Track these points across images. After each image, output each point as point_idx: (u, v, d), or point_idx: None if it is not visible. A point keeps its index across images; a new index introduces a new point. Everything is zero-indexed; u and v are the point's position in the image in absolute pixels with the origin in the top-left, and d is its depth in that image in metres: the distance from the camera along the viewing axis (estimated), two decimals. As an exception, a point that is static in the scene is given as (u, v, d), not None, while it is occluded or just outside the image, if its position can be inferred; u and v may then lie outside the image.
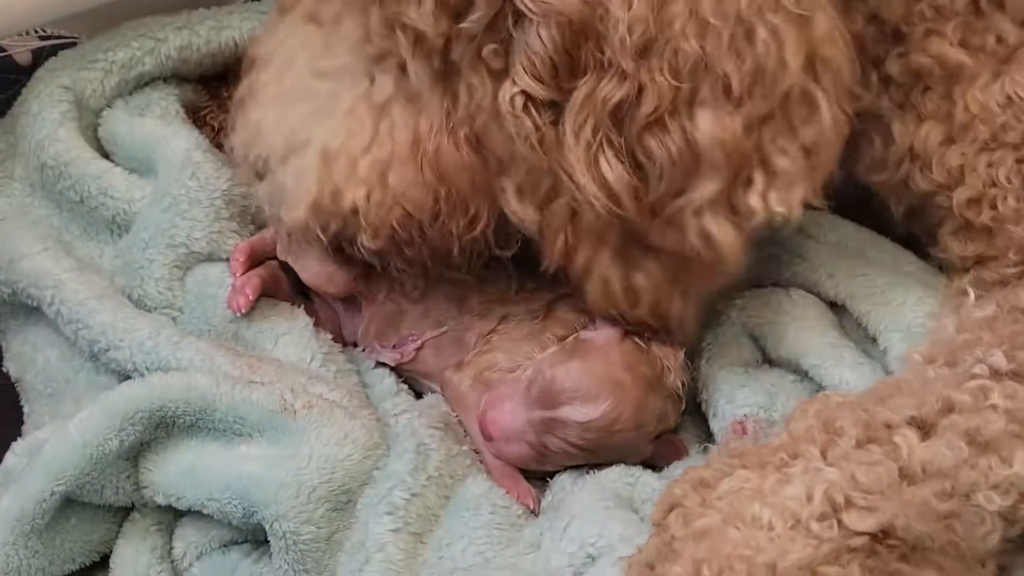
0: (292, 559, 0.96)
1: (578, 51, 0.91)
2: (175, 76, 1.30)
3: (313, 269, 1.11)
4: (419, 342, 1.11)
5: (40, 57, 1.27)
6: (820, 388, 1.06)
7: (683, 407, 1.08)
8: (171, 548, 1.04)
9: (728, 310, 1.14)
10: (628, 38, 0.90)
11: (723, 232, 0.95)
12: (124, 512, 1.04)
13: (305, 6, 1.06)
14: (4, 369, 1.19)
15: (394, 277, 1.10)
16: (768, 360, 1.13)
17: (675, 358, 1.06)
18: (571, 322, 1.09)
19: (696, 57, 0.90)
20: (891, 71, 1.05)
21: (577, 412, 1.01)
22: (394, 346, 1.12)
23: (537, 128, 0.94)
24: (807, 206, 0.97)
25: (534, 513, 1.02)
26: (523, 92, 0.93)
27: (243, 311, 1.09)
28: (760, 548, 0.83)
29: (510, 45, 0.93)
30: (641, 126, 0.93)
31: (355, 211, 1.01)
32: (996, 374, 0.90)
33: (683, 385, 1.06)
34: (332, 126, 1.01)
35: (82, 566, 1.04)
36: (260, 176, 1.06)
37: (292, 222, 1.04)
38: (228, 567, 1.02)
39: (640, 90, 0.91)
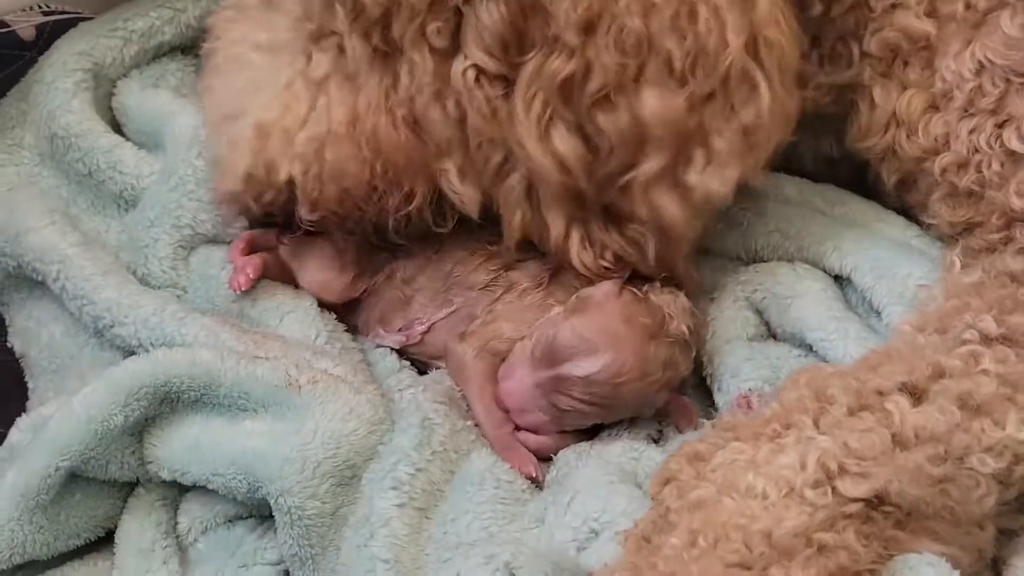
0: (297, 534, 0.96)
1: (526, 26, 0.93)
2: (195, 46, 1.29)
3: (312, 276, 1.13)
4: (426, 325, 1.11)
5: (43, 32, 1.27)
6: (825, 361, 1.05)
7: (694, 351, 1.08)
8: (176, 523, 1.04)
9: (732, 284, 1.14)
10: (573, 13, 0.91)
11: (670, 205, 0.99)
12: (129, 487, 1.05)
13: None
14: (8, 344, 1.19)
15: (386, 268, 1.12)
16: (772, 334, 1.13)
17: (675, 304, 1.06)
18: (574, 287, 1.08)
19: (640, 34, 0.92)
20: (869, 47, 1.06)
21: (578, 367, 1.01)
22: (399, 329, 1.12)
23: (488, 101, 0.96)
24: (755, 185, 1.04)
25: (536, 483, 1.02)
26: (475, 66, 0.95)
27: (243, 289, 1.09)
28: (755, 516, 0.83)
29: (459, 21, 0.95)
30: (590, 102, 0.95)
31: (290, 184, 1.03)
32: (986, 339, 0.91)
33: (689, 330, 1.06)
34: (268, 99, 1.03)
35: (87, 541, 1.04)
36: None
37: (225, 190, 1.05)
38: (233, 542, 1.02)
39: (587, 66, 0.93)
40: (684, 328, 1.05)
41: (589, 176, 0.98)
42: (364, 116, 1.00)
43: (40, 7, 1.27)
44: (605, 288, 1.05)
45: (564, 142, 0.96)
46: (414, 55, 0.97)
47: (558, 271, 1.09)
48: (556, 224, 1.02)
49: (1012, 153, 1.00)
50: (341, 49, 1.00)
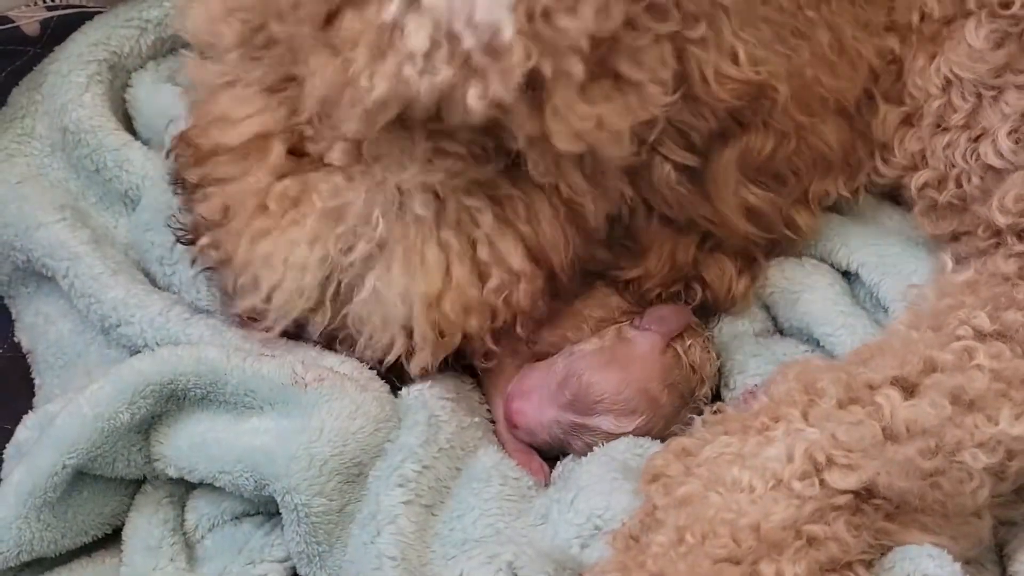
0: (304, 531, 0.96)
1: (731, 121, 0.97)
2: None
3: None
4: None
5: (48, 27, 1.27)
6: (832, 357, 1.05)
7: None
8: (183, 520, 1.04)
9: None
10: (782, 99, 0.96)
11: (806, 220, 1.07)
12: (136, 485, 1.05)
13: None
14: (16, 339, 1.19)
15: None
16: (780, 329, 1.13)
17: (711, 366, 1.07)
18: (611, 305, 1.08)
19: (825, 91, 1.00)
20: None
21: (610, 423, 1.01)
22: None
23: (686, 192, 0.99)
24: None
25: (545, 486, 1.02)
26: (675, 165, 0.98)
27: None
28: (742, 510, 0.83)
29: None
30: (785, 161, 1.01)
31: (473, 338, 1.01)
32: (980, 335, 0.91)
33: (707, 397, 1.06)
34: (427, 271, 0.98)
35: (95, 538, 1.04)
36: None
37: (416, 375, 1.02)
38: (240, 539, 1.02)
39: (782, 135, 0.99)
40: (708, 393, 1.06)
41: (780, 218, 1.05)
42: (551, 251, 0.99)
43: (44, 2, 1.27)
44: (650, 340, 1.05)
45: (758, 199, 1.02)
46: (614, 184, 0.99)
47: (595, 285, 1.09)
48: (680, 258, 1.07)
49: (990, 167, 1.00)
50: (496, 195, 0.98)
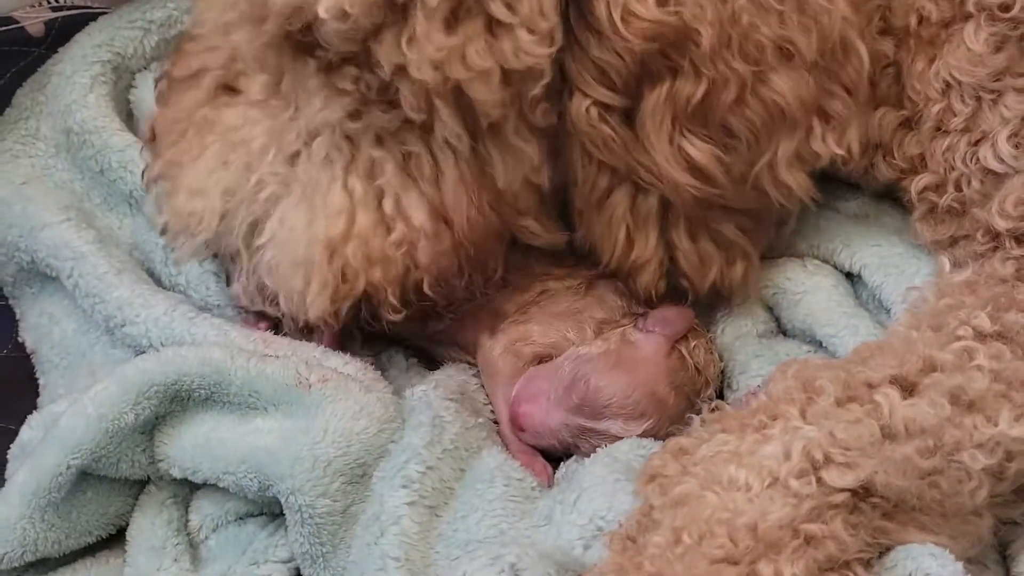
0: (308, 532, 0.96)
1: (655, 63, 0.95)
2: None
3: None
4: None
5: (52, 28, 1.27)
6: (834, 358, 1.05)
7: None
8: (187, 521, 1.04)
9: (743, 280, 1.13)
10: (707, 44, 0.93)
11: (798, 181, 1.02)
12: (140, 485, 1.05)
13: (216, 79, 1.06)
14: (20, 339, 1.19)
15: None
16: (783, 330, 1.13)
17: (714, 367, 1.07)
18: (612, 306, 1.09)
19: (765, 37, 0.95)
20: None
21: (619, 426, 1.02)
22: None
23: (615, 133, 0.97)
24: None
25: (548, 487, 1.02)
26: (596, 103, 0.96)
27: None
28: (739, 510, 0.83)
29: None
30: (724, 110, 0.97)
31: (373, 291, 1.01)
32: (981, 335, 0.91)
33: (711, 398, 1.06)
34: (328, 215, 1.00)
35: (99, 539, 1.04)
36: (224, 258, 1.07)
37: (316, 318, 1.02)
38: (244, 539, 1.02)
39: (716, 82, 0.95)
40: (712, 394, 1.06)
41: (727, 176, 1.00)
42: (453, 211, 0.99)
43: (49, 3, 1.27)
44: (654, 342, 1.05)
45: (699, 152, 0.98)
46: (517, 142, 0.98)
47: (594, 284, 1.09)
48: (646, 240, 1.04)
49: (990, 171, 1.00)
50: (403, 151, 0.99)
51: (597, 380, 1.03)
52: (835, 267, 1.12)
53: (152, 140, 1.07)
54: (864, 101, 1.03)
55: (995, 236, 1.00)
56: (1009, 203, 0.98)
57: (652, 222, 1.03)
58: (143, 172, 1.10)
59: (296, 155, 1.00)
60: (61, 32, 1.28)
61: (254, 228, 1.01)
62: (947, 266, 1.03)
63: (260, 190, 1.00)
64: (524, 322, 1.09)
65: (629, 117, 0.98)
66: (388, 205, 0.99)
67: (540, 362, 1.07)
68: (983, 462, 0.84)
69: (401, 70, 0.91)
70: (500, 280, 1.06)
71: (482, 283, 1.04)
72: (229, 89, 1.04)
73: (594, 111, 0.97)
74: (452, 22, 0.89)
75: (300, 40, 0.93)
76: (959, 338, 0.90)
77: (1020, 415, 0.86)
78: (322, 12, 0.88)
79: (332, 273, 0.99)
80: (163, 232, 1.06)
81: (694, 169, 0.98)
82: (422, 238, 0.99)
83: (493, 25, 0.90)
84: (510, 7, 0.90)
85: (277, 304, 1.03)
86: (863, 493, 0.84)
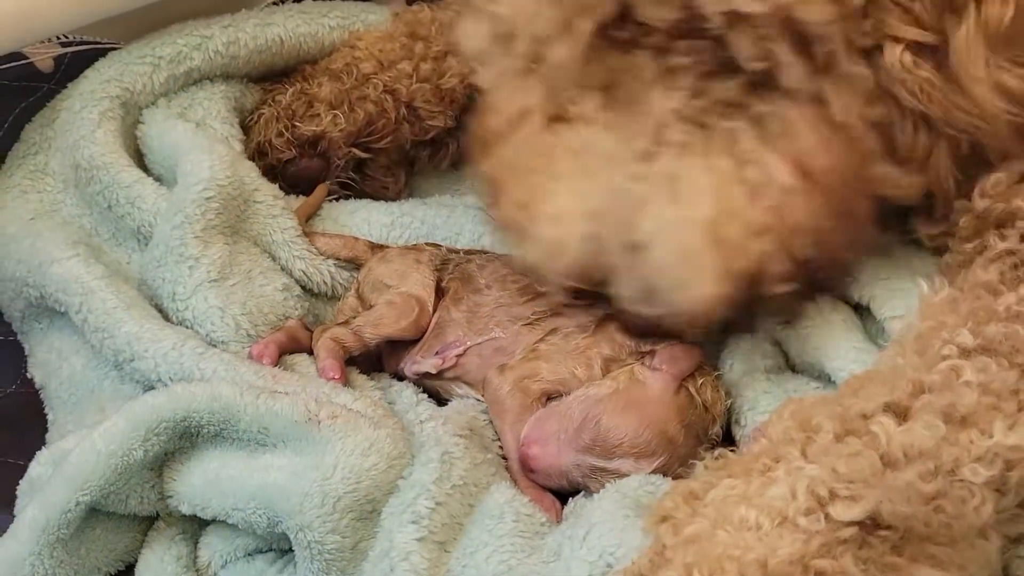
0: (317, 568, 0.96)
1: None
2: (224, 74, 1.32)
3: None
4: (461, 348, 1.11)
5: (62, 64, 1.28)
6: (842, 393, 1.05)
7: None
8: (196, 557, 1.04)
9: (751, 315, 1.13)
10: None
11: None
12: (149, 521, 1.05)
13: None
14: (28, 375, 1.19)
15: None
16: (791, 365, 1.12)
17: (721, 404, 1.07)
18: (620, 343, 1.09)
19: None
20: None
21: (630, 465, 1.01)
22: (436, 352, 1.12)
23: (931, 77, 0.95)
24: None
25: (557, 522, 1.02)
26: (908, 46, 0.94)
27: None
28: (749, 547, 0.83)
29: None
30: None
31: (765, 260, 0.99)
32: (965, 352, 0.90)
33: (719, 436, 1.06)
34: (698, 199, 0.97)
35: (107, 575, 1.04)
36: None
37: (709, 304, 1.00)
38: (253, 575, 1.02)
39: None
40: (719, 431, 1.06)
41: None
42: (811, 161, 0.97)
43: (58, 38, 1.28)
44: (662, 381, 1.05)
45: (1015, 79, 0.95)
46: (850, 67, 0.95)
47: (604, 323, 1.09)
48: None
49: None
50: (751, 114, 0.97)
51: (608, 420, 1.03)
52: (843, 299, 1.12)
53: (492, 192, 1.05)
54: None
55: (978, 232, 1.00)
56: (989, 183, 0.99)
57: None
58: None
59: (650, 153, 0.98)
60: (70, 67, 1.28)
61: (629, 236, 0.98)
62: (925, 288, 1.02)
63: (624, 198, 0.98)
64: (533, 359, 1.09)
65: (939, 55, 0.96)
66: (753, 172, 0.97)
67: (548, 399, 1.07)
68: (984, 475, 0.84)
69: (731, 16, 0.90)
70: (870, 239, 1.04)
71: (855, 236, 1.03)
72: (560, 119, 1.02)
73: (907, 57, 0.95)
74: None
75: (618, 37, 0.92)
76: (944, 357, 0.90)
77: (1013, 423, 0.86)
78: None
79: (720, 254, 0.97)
80: (520, 266, 1.06)
81: (1012, 99, 0.96)
82: (793, 196, 0.97)
83: None
84: None
85: (666, 303, 1.00)
86: (871, 526, 0.84)
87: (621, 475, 1.01)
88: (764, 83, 0.94)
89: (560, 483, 1.04)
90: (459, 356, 1.11)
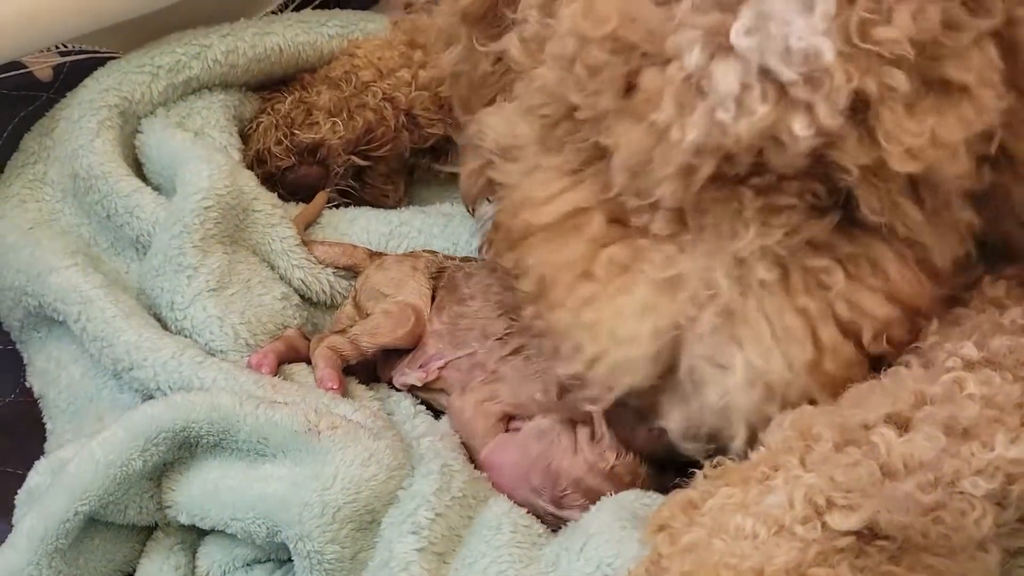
0: (316, 578, 0.97)
1: None
2: (223, 83, 1.32)
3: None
4: (442, 362, 1.11)
5: (61, 73, 1.28)
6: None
7: None
8: (195, 567, 1.04)
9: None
10: None
11: None
12: (147, 531, 1.05)
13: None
14: (27, 384, 1.19)
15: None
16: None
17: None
18: None
19: None
20: None
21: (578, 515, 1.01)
22: (420, 366, 1.12)
23: None
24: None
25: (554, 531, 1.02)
26: None
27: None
28: (745, 555, 0.83)
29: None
30: None
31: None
32: (969, 364, 0.90)
33: None
34: (791, 340, 0.92)
35: (106, 585, 1.04)
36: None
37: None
38: (252, 586, 1.03)
39: None
40: None
41: None
42: (902, 291, 0.94)
43: (57, 47, 1.28)
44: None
45: None
46: (959, 215, 0.92)
47: None
48: None
49: None
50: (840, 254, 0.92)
51: (558, 463, 1.03)
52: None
53: (540, 290, 0.98)
54: None
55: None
56: None
57: None
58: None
59: (726, 286, 0.91)
60: (69, 77, 1.28)
61: (699, 371, 0.92)
62: None
63: (699, 328, 0.91)
64: (492, 381, 1.08)
65: None
66: (843, 310, 0.93)
67: (510, 420, 1.07)
68: (984, 488, 0.84)
69: (870, 169, 0.86)
70: None
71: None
72: (620, 223, 0.95)
73: None
74: (914, 101, 0.83)
75: (728, 174, 0.87)
76: (948, 370, 0.90)
77: (1015, 437, 0.86)
78: (800, 131, 0.81)
79: (819, 394, 0.93)
80: (575, 377, 0.97)
81: None
82: (889, 327, 0.94)
83: (951, 91, 0.85)
84: (963, 66, 0.84)
85: (710, 441, 0.95)
86: (868, 535, 0.84)
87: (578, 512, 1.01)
88: (858, 224, 0.91)
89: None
90: (441, 369, 1.11)
